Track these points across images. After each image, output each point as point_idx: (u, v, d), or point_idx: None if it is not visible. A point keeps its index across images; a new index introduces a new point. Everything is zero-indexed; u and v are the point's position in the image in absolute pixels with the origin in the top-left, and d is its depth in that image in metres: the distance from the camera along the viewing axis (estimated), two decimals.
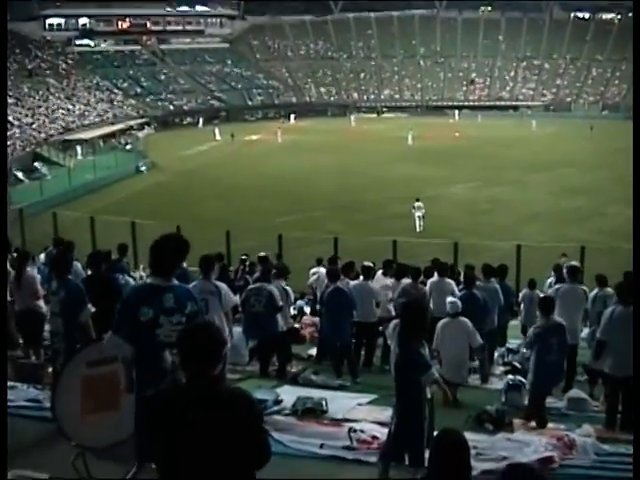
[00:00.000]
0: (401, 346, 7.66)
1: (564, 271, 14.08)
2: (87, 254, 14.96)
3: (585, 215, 37.35)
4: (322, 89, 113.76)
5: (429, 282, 14.60)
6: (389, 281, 14.56)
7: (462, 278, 14.96)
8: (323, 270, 16.65)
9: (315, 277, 17.47)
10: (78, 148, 62.79)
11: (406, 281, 14.20)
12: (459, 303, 11.79)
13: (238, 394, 4.35)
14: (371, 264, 14.31)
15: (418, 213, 34.59)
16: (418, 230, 33.76)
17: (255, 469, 4.29)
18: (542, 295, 12.85)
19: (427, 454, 7.56)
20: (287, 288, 13.37)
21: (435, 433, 7.55)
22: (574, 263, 15.25)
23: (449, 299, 11.99)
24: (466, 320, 11.47)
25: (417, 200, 35.06)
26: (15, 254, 13.85)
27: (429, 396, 7.62)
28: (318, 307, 15.28)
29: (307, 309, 18.65)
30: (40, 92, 79.45)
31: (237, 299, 12.02)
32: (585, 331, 13.50)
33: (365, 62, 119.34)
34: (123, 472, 6.60)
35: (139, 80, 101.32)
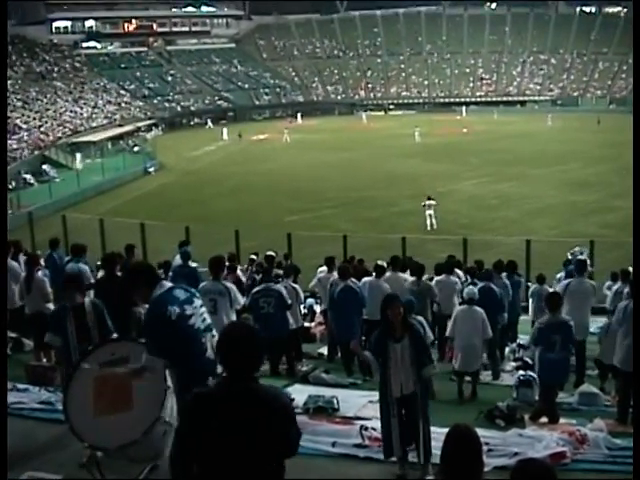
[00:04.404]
0: None
1: (573, 266, 14.10)
2: (96, 256, 15.01)
3: (594, 208, 37.21)
4: (329, 88, 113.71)
5: (434, 280, 14.64)
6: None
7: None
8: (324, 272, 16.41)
9: (314, 282, 16.76)
10: (77, 155, 61.53)
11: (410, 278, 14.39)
12: (476, 291, 11.92)
13: (275, 394, 4.44)
14: (384, 263, 14.28)
15: (429, 211, 34.33)
16: (428, 228, 33.57)
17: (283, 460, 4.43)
18: (550, 291, 12.84)
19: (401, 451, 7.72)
20: (296, 287, 13.39)
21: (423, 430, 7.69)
22: (582, 257, 15.23)
23: (467, 288, 12.09)
24: (481, 310, 11.56)
25: (429, 198, 34.87)
26: (25, 257, 13.86)
27: (397, 394, 7.72)
28: (323, 307, 15.14)
29: (317, 308, 18.58)
30: (48, 95, 79.68)
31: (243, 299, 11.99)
32: (598, 324, 13.48)
33: (371, 60, 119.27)
34: (135, 473, 6.63)
35: (146, 82, 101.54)
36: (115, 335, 8.00)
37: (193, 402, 4.40)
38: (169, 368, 6.08)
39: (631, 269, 13.51)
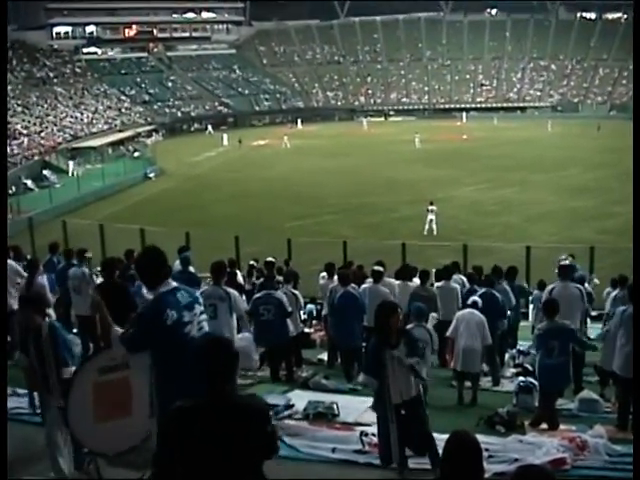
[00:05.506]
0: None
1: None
2: (95, 261, 14.98)
3: (593, 214, 37.22)
4: (329, 94, 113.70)
5: (435, 286, 14.63)
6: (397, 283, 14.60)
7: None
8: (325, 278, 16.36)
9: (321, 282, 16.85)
10: (70, 163, 60.40)
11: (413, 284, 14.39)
12: (480, 300, 12.01)
13: (250, 404, 4.50)
14: (382, 268, 14.21)
15: (431, 216, 34.43)
16: (426, 233, 33.58)
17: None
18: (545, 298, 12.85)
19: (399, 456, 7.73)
20: (296, 293, 13.37)
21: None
22: (566, 262, 15.19)
23: (472, 297, 12.13)
24: (482, 315, 11.65)
25: (431, 203, 34.93)
26: (26, 262, 13.87)
27: (396, 400, 7.70)
28: (324, 313, 15.05)
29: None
30: (48, 101, 79.69)
31: (246, 305, 12.01)
32: (597, 331, 13.46)
33: (371, 66, 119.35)
34: (135, 478, 6.62)
35: (146, 87, 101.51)
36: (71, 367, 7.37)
37: (174, 414, 4.44)
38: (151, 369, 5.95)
39: (630, 275, 13.50)
